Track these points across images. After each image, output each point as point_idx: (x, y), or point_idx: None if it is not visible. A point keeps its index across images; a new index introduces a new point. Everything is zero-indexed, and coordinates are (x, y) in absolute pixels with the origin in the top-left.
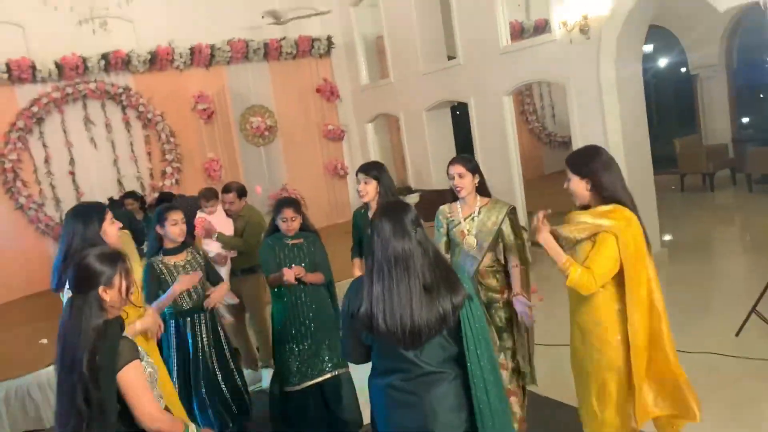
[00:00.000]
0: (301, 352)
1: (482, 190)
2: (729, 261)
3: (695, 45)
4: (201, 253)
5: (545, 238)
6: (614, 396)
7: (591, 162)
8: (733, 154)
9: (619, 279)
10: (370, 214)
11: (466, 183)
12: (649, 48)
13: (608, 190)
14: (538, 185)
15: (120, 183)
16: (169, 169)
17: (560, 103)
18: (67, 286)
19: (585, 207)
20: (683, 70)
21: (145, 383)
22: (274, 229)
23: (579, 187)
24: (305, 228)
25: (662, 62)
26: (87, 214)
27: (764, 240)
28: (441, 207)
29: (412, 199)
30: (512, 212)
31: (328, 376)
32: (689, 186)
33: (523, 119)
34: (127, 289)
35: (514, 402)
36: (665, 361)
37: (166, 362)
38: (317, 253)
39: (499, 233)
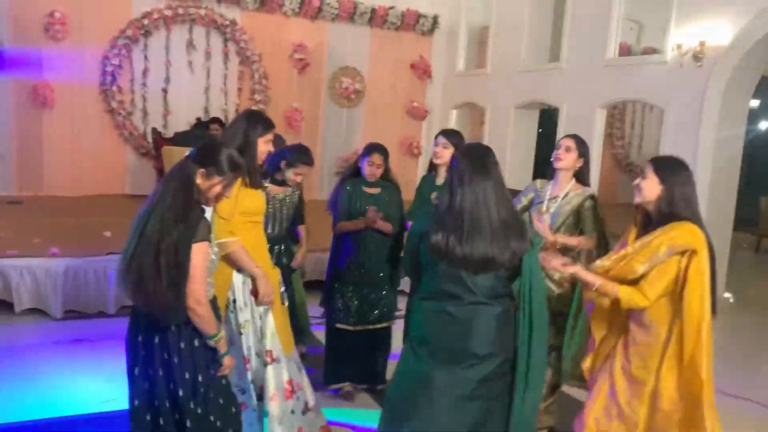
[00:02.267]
0: (362, 296)
1: (582, 177)
2: None
3: None
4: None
5: (573, 270)
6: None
7: (677, 170)
8: None
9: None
10: (439, 181)
11: (569, 157)
12: (755, 103)
13: (676, 205)
14: (606, 210)
15: (206, 110)
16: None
17: (649, 137)
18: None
19: (638, 207)
20: None
21: (206, 266)
22: (356, 171)
23: (652, 189)
24: (386, 178)
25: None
26: (258, 119)
27: None
28: (537, 179)
29: None
30: (592, 198)
31: (382, 325)
32: (766, 248)
33: (608, 142)
34: (218, 196)
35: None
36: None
37: None
38: (392, 205)
39: (574, 218)
